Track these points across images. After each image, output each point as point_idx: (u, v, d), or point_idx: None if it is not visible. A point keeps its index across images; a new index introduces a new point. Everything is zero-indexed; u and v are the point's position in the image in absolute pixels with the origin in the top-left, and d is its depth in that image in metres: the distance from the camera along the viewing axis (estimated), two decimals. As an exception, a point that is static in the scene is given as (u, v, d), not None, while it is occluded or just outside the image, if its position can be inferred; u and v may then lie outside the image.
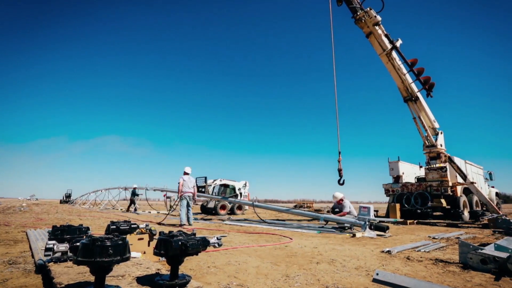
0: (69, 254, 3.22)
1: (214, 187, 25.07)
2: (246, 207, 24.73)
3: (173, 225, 12.20)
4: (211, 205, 22.74)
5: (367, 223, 9.39)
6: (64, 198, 56.65)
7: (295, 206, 54.01)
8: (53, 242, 2.84)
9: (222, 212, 22.27)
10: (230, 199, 18.43)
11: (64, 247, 2.86)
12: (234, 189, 25.45)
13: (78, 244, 2.68)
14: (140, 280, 3.33)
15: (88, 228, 4.67)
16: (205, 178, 23.62)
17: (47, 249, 2.81)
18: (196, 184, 23.12)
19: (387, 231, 9.45)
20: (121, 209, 28.28)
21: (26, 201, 60.25)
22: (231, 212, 23.28)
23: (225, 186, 25.63)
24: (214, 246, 3.27)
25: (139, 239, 5.47)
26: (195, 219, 16.23)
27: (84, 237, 2.97)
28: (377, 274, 3.30)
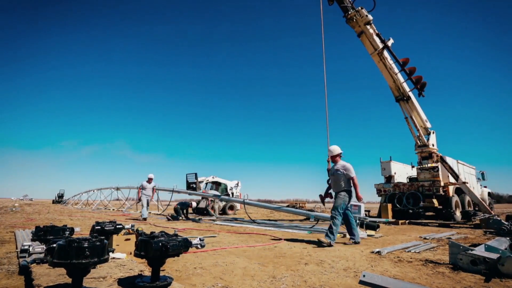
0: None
1: (206, 184, 24.71)
2: (238, 206, 24.52)
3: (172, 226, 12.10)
4: (202, 205, 22.43)
5: (357, 221, 9.34)
6: (57, 198, 56.29)
7: (288, 206, 53.92)
8: (29, 243, 2.75)
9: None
10: (222, 197, 18.23)
11: (40, 248, 2.76)
12: (226, 188, 25.17)
13: (54, 245, 2.60)
14: (121, 282, 3.25)
15: (72, 229, 4.57)
16: (196, 174, 23.14)
17: (22, 251, 2.71)
18: (187, 180, 22.65)
19: (377, 230, 9.43)
20: (113, 209, 28.06)
21: (19, 201, 59.85)
22: (223, 212, 23.01)
23: (217, 184, 25.31)
24: (197, 247, 3.18)
25: (126, 239, 5.39)
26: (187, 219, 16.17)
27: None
28: (364, 276, 3.23)
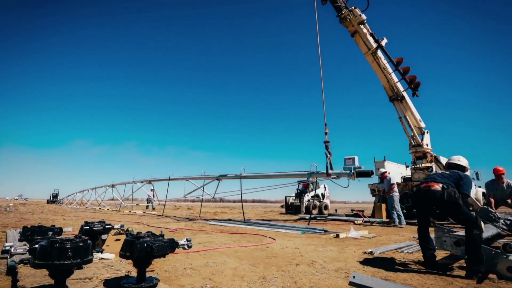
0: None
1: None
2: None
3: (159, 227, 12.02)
4: None
5: (352, 171, 9.54)
6: (51, 198, 56.23)
7: (282, 206, 54.39)
8: (11, 244, 2.69)
9: None
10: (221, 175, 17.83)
11: (22, 249, 2.70)
12: None
13: (36, 246, 2.54)
14: (107, 283, 3.19)
15: (61, 229, 4.50)
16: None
17: (3, 251, 2.65)
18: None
19: (372, 176, 9.64)
20: (108, 209, 27.92)
21: (13, 201, 59.69)
22: None
23: None
24: (184, 248, 3.13)
25: (116, 239, 5.32)
26: (176, 218, 16.04)
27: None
28: (354, 277, 3.19)
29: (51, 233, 4.06)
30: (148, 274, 3.46)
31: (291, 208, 23.28)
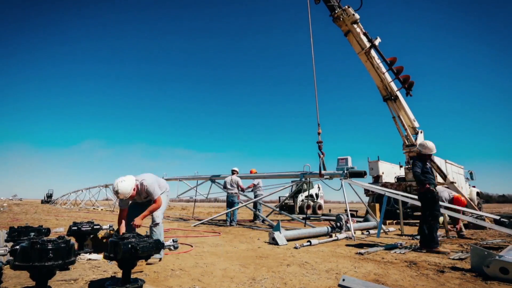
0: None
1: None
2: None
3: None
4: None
5: (345, 171, 9.51)
6: (46, 198, 56.12)
7: (276, 206, 54.74)
8: (-9, 245, 2.64)
9: None
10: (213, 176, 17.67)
11: (3, 250, 2.65)
12: None
13: (17, 247, 2.48)
14: (92, 284, 3.14)
15: (48, 230, 4.43)
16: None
17: (-18, 253, 2.60)
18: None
19: (365, 176, 9.61)
20: (102, 209, 27.75)
21: (8, 201, 59.52)
22: None
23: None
24: (170, 249, 3.09)
25: (106, 240, 5.27)
26: (168, 218, 15.94)
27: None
28: (343, 280, 3.15)
29: (33, 234, 3.99)
30: (136, 275, 3.41)
31: (285, 209, 23.29)
